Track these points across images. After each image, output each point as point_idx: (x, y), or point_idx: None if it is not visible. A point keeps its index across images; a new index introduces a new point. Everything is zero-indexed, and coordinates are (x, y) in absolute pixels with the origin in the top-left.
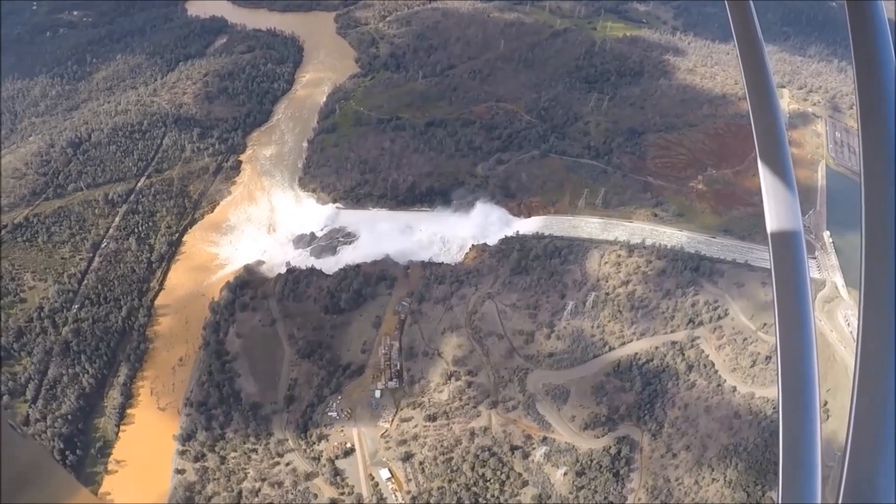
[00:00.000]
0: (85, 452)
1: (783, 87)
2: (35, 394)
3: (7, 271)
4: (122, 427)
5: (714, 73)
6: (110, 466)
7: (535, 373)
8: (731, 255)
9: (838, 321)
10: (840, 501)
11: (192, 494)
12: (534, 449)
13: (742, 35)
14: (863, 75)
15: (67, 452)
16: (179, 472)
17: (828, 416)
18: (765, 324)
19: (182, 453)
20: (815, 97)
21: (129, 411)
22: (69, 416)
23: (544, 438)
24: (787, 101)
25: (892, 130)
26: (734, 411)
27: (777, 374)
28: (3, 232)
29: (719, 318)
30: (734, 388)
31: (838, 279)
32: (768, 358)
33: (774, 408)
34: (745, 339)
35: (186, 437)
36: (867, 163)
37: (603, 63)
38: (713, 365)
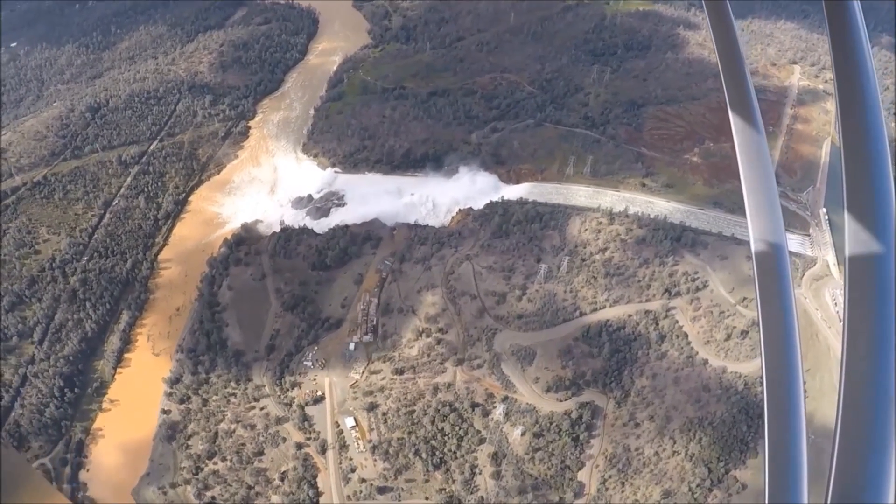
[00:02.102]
0: (83, 391)
1: (795, 63)
2: (42, 336)
3: (24, 225)
4: (118, 369)
5: None
6: (105, 405)
7: (503, 333)
8: (718, 227)
9: (825, 300)
10: (829, 502)
11: (175, 433)
12: (494, 407)
13: (720, 35)
14: (840, 71)
15: (66, 390)
16: (165, 412)
17: (805, 396)
18: (744, 298)
19: (169, 395)
20: (827, 74)
21: (126, 355)
22: (71, 358)
23: (505, 398)
24: (797, 78)
25: (871, 125)
26: (703, 384)
27: (762, 375)
28: (22, 189)
29: (697, 289)
30: (706, 361)
31: (830, 257)
32: (744, 332)
33: (745, 384)
34: (721, 313)
35: (174, 381)
36: (847, 158)
37: (612, 37)
38: (686, 336)
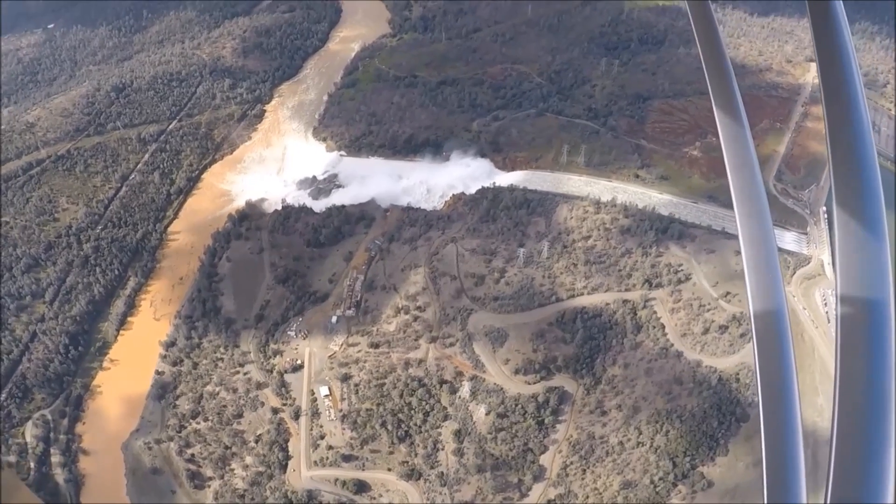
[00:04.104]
0: (86, 350)
1: (812, 61)
2: (53, 297)
3: (46, 194)
4: (121, 332)
5: (739, 43)
6: (105, 364)
7: (478, 314)
8: (709, 221)
9: (814, 299)
10: (828, 502)
11: (165, 393)
12: (462, 385)
13: (703, 36)
14: (825, 70)
15: (71, 348)
16: (159, 373)
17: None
18: (727, 293)
19: (164, 357)
20: None
21: (129, 319)
22: (78, 318)
23: (474, 377)
24: (812, 76)
25: (855, 123)
26: (676, 377)
27: (756, 376)
28: (46, 162)
29: (680, 281)
30: (680, 354)
31: (825, 256)
32: (723, 327)
33: (720, 379)
34: (701, 306)
35: (170, 344)
36: (834, 153)
37: (627, 31)
38: (663, 328)
